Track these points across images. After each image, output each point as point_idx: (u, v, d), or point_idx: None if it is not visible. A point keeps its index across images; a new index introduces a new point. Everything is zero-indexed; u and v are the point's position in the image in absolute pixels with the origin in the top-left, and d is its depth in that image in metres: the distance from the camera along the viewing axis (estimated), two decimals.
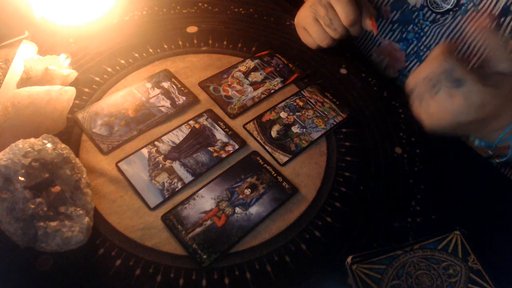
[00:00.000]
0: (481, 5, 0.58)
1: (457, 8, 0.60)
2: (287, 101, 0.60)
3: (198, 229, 0.45)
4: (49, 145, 0.43)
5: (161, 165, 0.50)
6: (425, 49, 0.66)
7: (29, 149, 0.42)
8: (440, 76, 0.44)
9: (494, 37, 0.47)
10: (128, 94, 0.58)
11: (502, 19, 0.56)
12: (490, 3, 0.57)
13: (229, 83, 0.61)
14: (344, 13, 0.58)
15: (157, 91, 0.59)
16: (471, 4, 0.59)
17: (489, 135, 0.49)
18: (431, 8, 0.63)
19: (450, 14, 0.61)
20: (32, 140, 0.43)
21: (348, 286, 0.43)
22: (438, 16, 0.63)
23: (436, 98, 0.45)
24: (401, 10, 0.67)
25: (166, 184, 0.49)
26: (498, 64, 0.45)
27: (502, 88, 0.44)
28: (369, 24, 0.60)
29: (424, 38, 0.66)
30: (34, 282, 0.41)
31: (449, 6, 0.61)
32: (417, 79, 0.47)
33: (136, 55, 0.64)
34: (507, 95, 0.44)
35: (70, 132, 0.53)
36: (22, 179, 0.40)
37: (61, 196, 0.42)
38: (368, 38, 0.74)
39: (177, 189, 0.48)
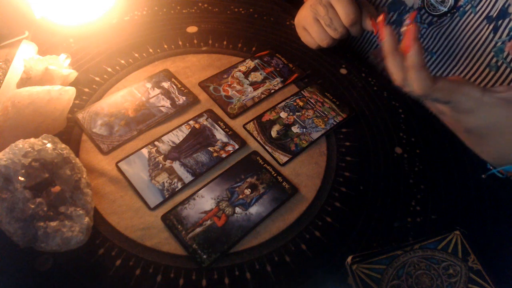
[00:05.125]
0: (479, 7, 0.58)
1: (454, 11, 0.60)
2: (287, 101, 0.60)
3: (198, 229, 0.45)
4: (49, 145, 0.43)
5: (161, 165, 0.50)
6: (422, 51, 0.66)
7: (29, 149, 0.42)
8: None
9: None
10: (128, 94, 0.58)
11: (500, 21, 0.56)
12: (488, 5, 0.57)
13: (229, 83, 0.61)
14: (344, 13, 0.58)
15: (157, 91, 0.59)
16: (469, 6, 0.59)
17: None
18: (428, 10, 0.63)
19: (448, 17, 0.61)
20: (32, 140, 0.43)
21: (348, 286, 0.43)
22: (435, 18, 0.63)
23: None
24: (398, 12, 0.67)
25: (166, 184, 0.49)
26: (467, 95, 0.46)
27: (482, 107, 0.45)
28: (369, 24, 0.60)
29: (421, 40, 0.66)
30: (34, 282, 0.41)
31: (446, 9, 0.60)
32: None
33: (136, 55, 0.64)
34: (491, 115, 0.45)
35: (70, 132, 0.53)
36: (22, 179, 0.40)
37: (61, 196, 0.42)
38: (366, 40, 0.74)
39: (177, 189, 0.48)
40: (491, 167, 0.52)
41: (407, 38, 0.44)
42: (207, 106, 0.58)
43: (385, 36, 0.45)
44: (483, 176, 0.53)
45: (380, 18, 0.47)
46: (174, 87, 0.59)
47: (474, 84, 0.46)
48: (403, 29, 0.45)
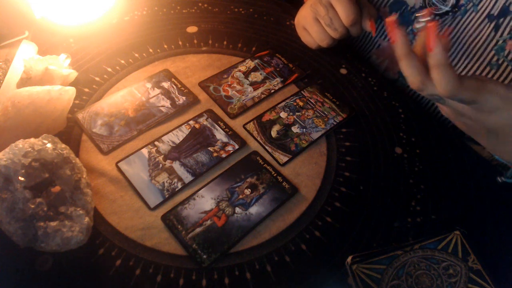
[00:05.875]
0: (480, 5, 0.58)
1: (456, 9, 0.60)
2: (287, 101, 0.60)
3: (198, 229, 0.45)
4: (49, 145, 0.43)
5: (161, 165, 0.50)
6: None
7: (29, 149, 0.42)
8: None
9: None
10: (128, 94, 0.58)
11: (501, 20, 0.56)
12: (489, 4, 0.57)
13: (229, 83, 0.61)
14: (344, 13, 0.58)
15: (157, 91, 0.59)
16: (471, 4, 0.59)
17: None
18: None
19: (449, 16, 0.61)
20: (32, 140, 0.43)
21: (348, 286, 0.43)
22: (437, 17, 0.63)
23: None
24: (400, 11, 0.67)
25: (166, 184, 0.49)
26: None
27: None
28: (368, 24, 0.60)
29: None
30: (34, 282, 0.41)
31: (447, 8, 0.60)
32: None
33: (136, 55, 0.64)
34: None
35: (70, 132, 0.53)
36: (22, 179, 0.40)
37: (61, 196, 0.42)
38: (368, 39, 0.74)
39: (177, 189, 0.48)
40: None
41: (430, 35, 0.40)
42: (207, 106, 0.58)
43: (398, 38, 0.42)
44: (499, 179, 0.51)
45: (392, 18, 0.43)
46: (174, 87, 0.59)
47: (498, 81, 0.44)
48: (419, 26, 0.40)
